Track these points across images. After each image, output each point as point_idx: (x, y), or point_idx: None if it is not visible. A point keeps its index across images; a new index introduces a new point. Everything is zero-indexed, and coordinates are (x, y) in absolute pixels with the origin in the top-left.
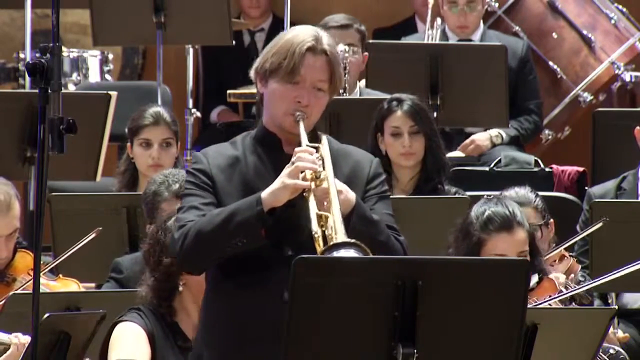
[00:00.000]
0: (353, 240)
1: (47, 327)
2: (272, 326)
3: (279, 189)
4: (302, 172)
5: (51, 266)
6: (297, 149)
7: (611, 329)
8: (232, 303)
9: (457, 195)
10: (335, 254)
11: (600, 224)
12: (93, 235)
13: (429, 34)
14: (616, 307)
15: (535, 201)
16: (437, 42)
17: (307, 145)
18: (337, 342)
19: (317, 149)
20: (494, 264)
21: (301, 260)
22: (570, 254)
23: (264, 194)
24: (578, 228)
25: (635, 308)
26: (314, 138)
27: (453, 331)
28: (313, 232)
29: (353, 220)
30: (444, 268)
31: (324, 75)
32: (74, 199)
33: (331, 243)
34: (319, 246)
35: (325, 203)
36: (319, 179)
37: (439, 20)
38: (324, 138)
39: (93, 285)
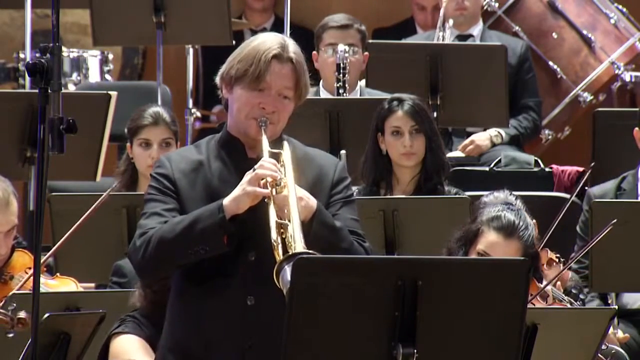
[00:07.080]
0: (311, 252)
1: (47, 327)
2: (236, 331)
3: (239, 196)
4: (262, 180)
5: (25, 280)
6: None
7: (611, 329)
8: (195, 308)
9: (457, 196)
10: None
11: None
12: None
13: (439, 35)
14: (616, 307)
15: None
16: (437, 42)
17: (269, 152)
18: (337, 342)
19: (279, 155)
20: (494, 264)
21: (301, 260)
22: (562, 258)
23: (226, 201)
24: (578, 229)
25: (635, 308)
26: (278, 144)
27: (453, 331)
28: (272, 241)
29: (314, 226)
30: (444, 268)
31: (289, 82)
32: (74, 199)
33: (290, 253)
34: (278, 255)
35: (285, 210)
36: (279, 186)
37: (450, 21)
38: (285, 144)
39: (93, 285)
